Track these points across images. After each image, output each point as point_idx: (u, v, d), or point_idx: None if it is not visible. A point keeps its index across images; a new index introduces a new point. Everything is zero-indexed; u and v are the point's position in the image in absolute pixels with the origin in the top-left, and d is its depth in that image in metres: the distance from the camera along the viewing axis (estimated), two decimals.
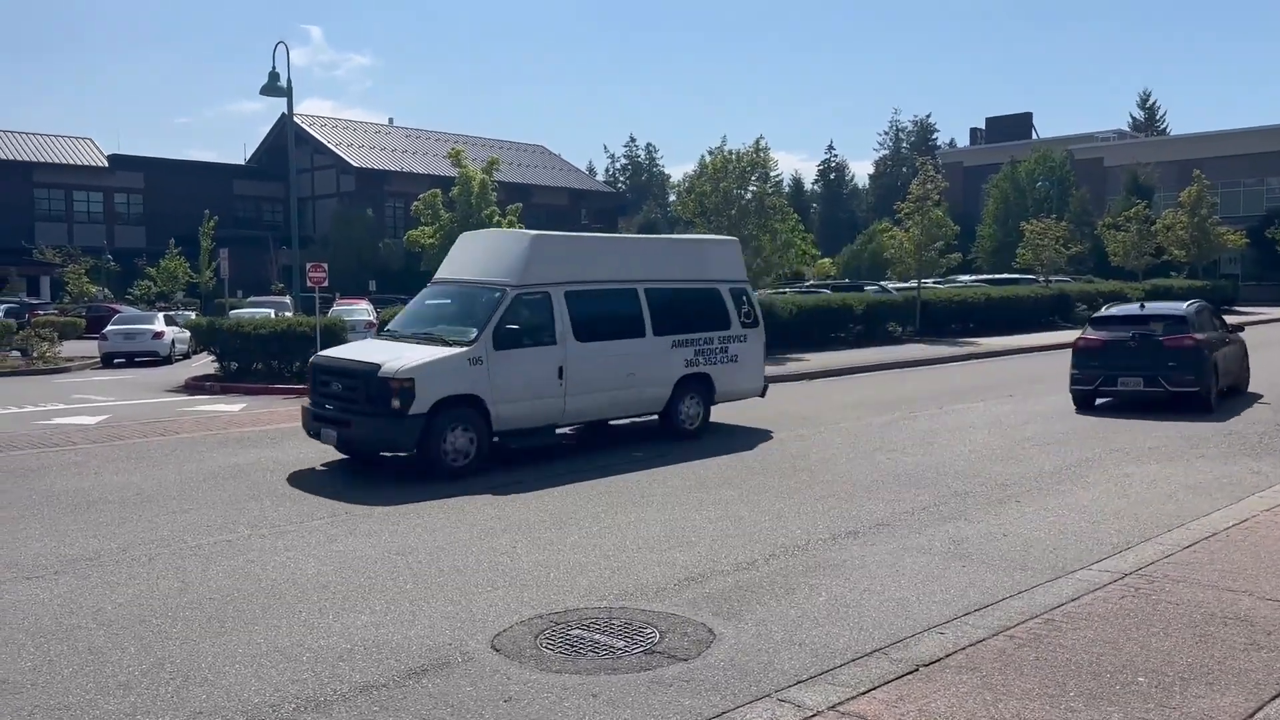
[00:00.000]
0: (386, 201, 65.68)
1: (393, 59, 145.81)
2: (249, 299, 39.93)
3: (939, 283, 37.79)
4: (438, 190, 20.70)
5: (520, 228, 21.57)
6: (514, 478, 10.22)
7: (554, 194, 74.16)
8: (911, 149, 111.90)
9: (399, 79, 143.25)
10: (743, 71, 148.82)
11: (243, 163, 70.80)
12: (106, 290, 53.20)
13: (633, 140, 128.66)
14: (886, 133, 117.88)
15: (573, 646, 5.44)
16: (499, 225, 20.17)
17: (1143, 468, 10.37)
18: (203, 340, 21.40)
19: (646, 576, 6.74)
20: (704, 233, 24.61)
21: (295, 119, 68.00)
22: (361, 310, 27.72)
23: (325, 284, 18.90)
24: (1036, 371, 21.10)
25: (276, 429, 13.79)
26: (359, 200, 63.97)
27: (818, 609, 6.03)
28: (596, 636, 5.57)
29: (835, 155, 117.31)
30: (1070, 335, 30.95)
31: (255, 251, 58.35)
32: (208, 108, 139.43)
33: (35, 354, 25.44)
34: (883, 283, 36.10)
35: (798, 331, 25.33)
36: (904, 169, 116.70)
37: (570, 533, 7.98)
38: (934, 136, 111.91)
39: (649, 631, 5.64)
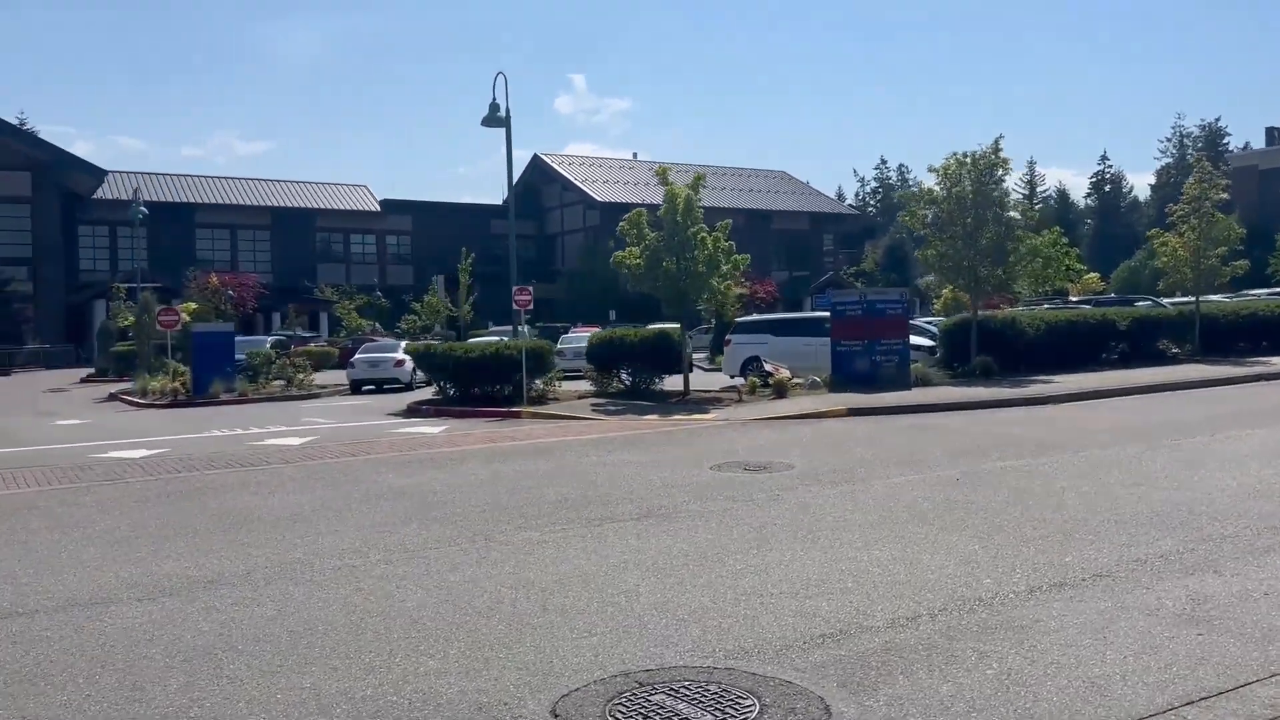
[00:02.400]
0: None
1: (649, 101, 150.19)
2: (490, 327, 41.57)
3: (1228, 297, 33.21)
4: (643, 210, 20.14)
5: (728, 245, 20.65)
6: (674, 501, 9.26)
7: (794, 218, 72.98)
8: (1198, 156, 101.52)
9: (654, 120, 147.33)
10: (1001, 84, 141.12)
11: (499, 203, 74.89)
12: (376, 324, 57.45)
13: (883, 162, 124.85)
14: (1169, 139, 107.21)
15: (645, 718, 4.39)
16: (704, 243, 19.33)
17: None
18: (420, 365, 22.04)
19: (774, 629, 5.55)
20: (935, 248, 22.67)
21: (545, 157, 71.66)
22: (583, 337, 27.81)
23: (530, 307, 18.91)
24: None
25: (462, 450, 13.60)
26: (604, 233, 65.66)
27: (979, 686, 4.63)
28: (679, 706, 4.49)
29: (1110, 166, 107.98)
30: None
31: (508, 286, 61.26)
32: (484, 159, 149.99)
33: (292, 381, 27.36)
34: (1158, 298, 32.10)
35: (1047, 351, 22.74)
36: (1190, 178, 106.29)
37: (707, 570, 6.90)
38: (1225, 141, 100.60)
39: (747, 704, 4.49)
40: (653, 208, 70.90)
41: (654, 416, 17.15)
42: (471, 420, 17.75)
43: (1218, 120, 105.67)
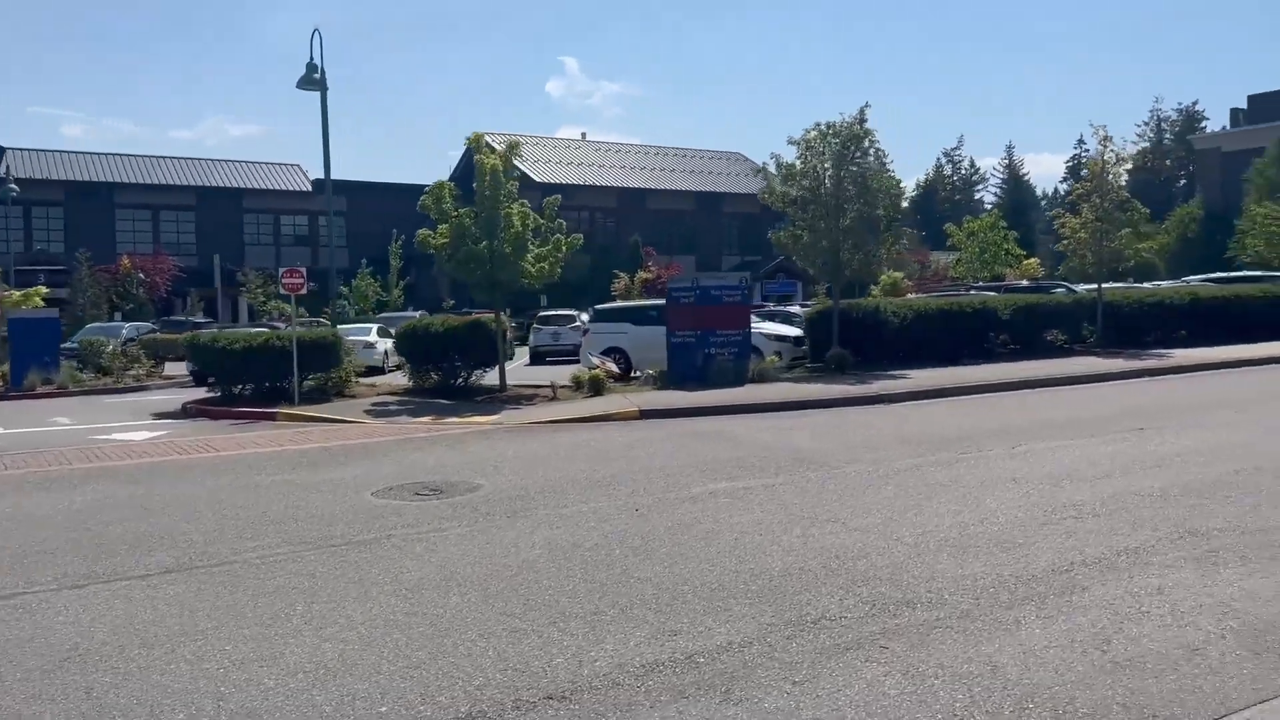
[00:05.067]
0: (570, 215, 64.89)
1: (642, 84, 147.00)
2: (380, 315, 39.42)
3: (1181, 284, 31.19)
4: (446, 182, 18.01)
5: (557, 224, 18.53)
6: (258, 545, 7.21)
7: (748, 201, 70.51)
8: (1176, 140, 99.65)
9: (647, 103, 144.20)
10: (977, 71, 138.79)
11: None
12: (303, 310, 55.16)
13: (880, 151, 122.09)
14: (1146, 124, 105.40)
15: None
16: (512, 222, 17.20)
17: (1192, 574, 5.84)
18: (190, 359, 19.86)
19: None
20: (797, 229, 20.54)
21: (487, 137, 69.27)
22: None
23: (303, 290, 16.83)
24: (1225, 394, 15.59)
25: (102, 467, 11.52)
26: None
27: None
28: None
29: (1086, 150, 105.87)
30: None
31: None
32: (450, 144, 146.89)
33: (123, 374, 25.21)
34: (1072, 285, 30.05)
35: (919, 342, 20.68)
36: (1168, 161, 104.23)
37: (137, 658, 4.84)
38: (1202, 124, 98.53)
39: None
40: (597, 189, 68.55)
41: (428, 418, 15.08)
42: (221, 422, 15.66)
43: (1195, 104, 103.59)
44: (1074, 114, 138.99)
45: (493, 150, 18.39)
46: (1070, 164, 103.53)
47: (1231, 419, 12.50)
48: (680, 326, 18.41)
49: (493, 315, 18.94)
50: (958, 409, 14.99)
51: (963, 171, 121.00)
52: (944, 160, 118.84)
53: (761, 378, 18.05)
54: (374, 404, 16.53)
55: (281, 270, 17.13)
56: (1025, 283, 32.66)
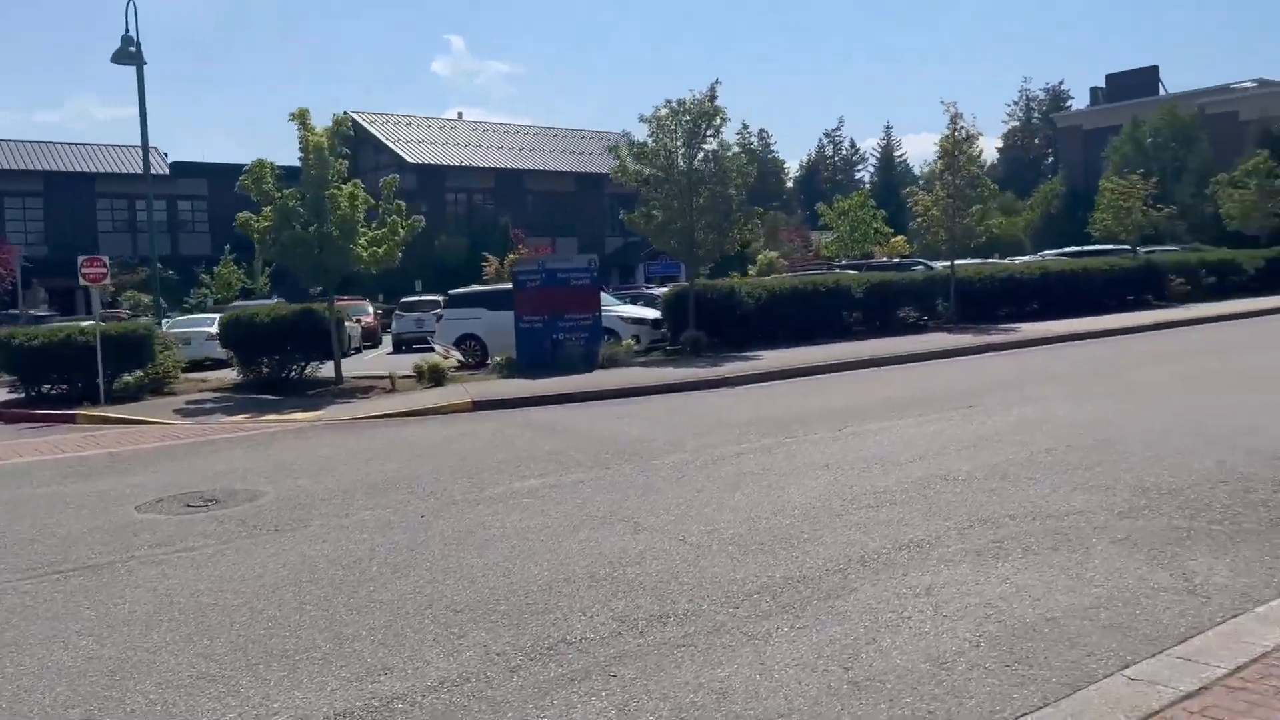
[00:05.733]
0: (447, 197, 63.43)
1: (531, 63, 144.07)
2: (235, 301, 37.60)
3: (1035, 259, 31.85)
4: (267, 161, 16.84)
5: (396, 206, 17.57)
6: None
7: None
8: (1043, 119, 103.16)
9: (536, 83, 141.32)
10: (858, 52, 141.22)
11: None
12: (160, 300, 52.44)
13: (745, 128, 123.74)
14: (1016, 103, 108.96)
15: None
16: (339, 204, 16.19)
17: (957, 570, 5.50)
18: None
19: None
20: (651, 209, 20.06)
21: (355, 115, 66.90)
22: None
23: (105, 281, 15.58)
24: (1060, 368, 15.72)
25: None
26: (420, 198, 61.85)
27: None
28: None
29: (960, 128, 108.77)
30: (1168, 314, 25.00)
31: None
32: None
33: None
34: (930, 262, 30.41)
35: (775, 322, 20.50)
36: (1036, 140, 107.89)
37: None
38: (1068, 103, 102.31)
39: None
40: (475, 170, 66.65)
41: (243, 416, 14.07)
42: (17, 426, 14.33)
43: (1061, 84, 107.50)
44: (951, 95, 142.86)
45: (307, 126, 16.87)
46: (944, 143, 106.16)
47: (1059, 393, 12.51)
48: (528, 311, 17.73)
49: (358, 300, 17.89)
50: (801, 390, 14.74)
51: (844, 152, 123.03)
52: (825, 141, 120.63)
53: (612, 363, 17.53)
54: (190, 402, 15.37)
55: (81, 259, 15.73)
56: (886, 260, 32.99)
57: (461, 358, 18.03)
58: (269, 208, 16.56)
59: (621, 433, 11.32)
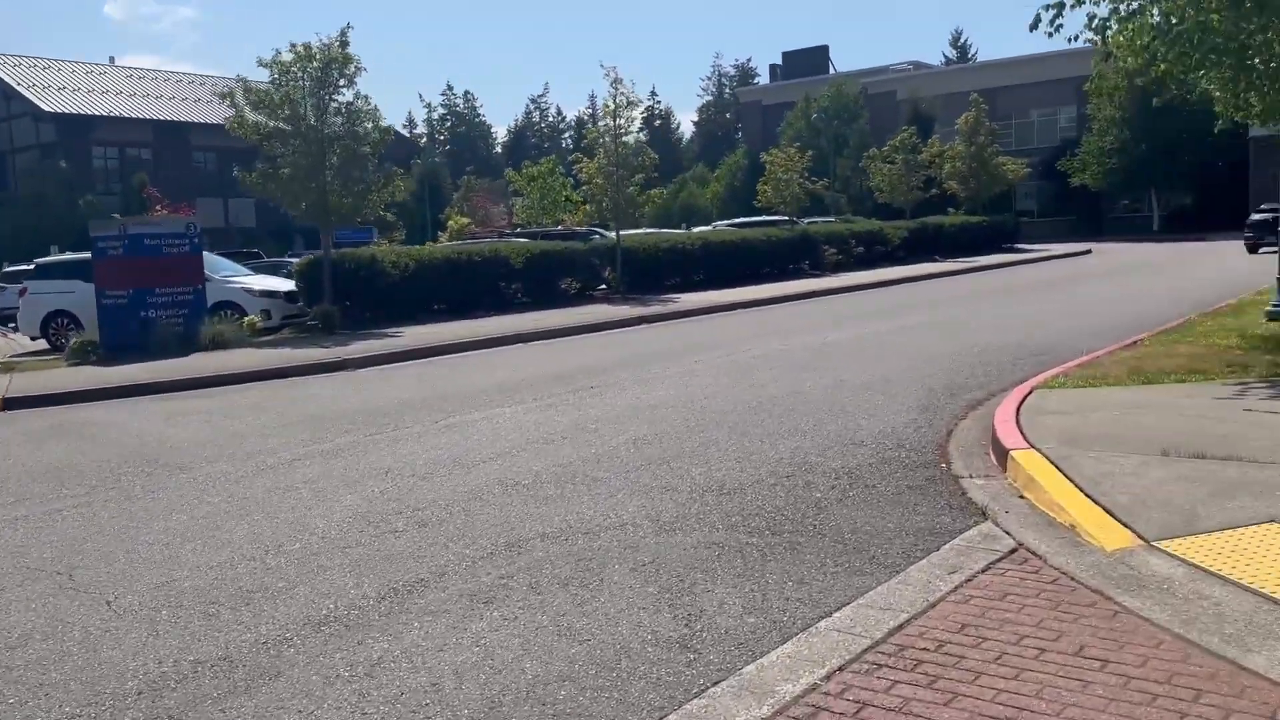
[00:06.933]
0: (95, 151, 56.14)
1: (220, 9, 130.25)
2: None
3: (709, 229, 32.20)
4: None
5: None
6: None
7: None
8: (735, 95, 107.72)
9: (225, 30, 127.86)
10: (564, 18, 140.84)
11: None
12: None
13: (450, 89, 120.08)
14: (709, 78, 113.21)
15: None
16: None
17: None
18: None
19: None
20: (278, 166, 17.82)
21: None
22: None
23: None
24: (702, 339, 15.38)
25: None
26: (57, 151, 54.29)
27: None
28: None
29: (659, 101, 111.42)
30: (820, 283, 26.04)
31: None
32: None
33: None
34: (605, 230, 30.01)
35: (426, 294, 19.01)
36: (727, 115, 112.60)
37: None
38: (755, 79, 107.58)
39: None
40: (128, 121, 59.19)
41: None
42: None
43: (749, 60, 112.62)
44: (652, 66, 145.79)
45: None
46: (644, 115, 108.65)
47: (679, 370, 11.98)
48: (111, 285, 15.12)
49: None
50: (430, 372, 13.39)
51: (550, 119, 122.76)
52: (532, 107, 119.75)
53: (220, 344, 15.33)
54: None
55: None
56: (563, 229, 32.40)
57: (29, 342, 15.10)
58: None
59: (167, 436, 9.45)
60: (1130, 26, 10.14)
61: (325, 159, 17.42)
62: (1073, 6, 10.04)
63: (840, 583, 4.63)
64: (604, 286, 23.91)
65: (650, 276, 23.90)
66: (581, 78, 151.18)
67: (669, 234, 28.40)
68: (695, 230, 32.30)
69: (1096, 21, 10.15)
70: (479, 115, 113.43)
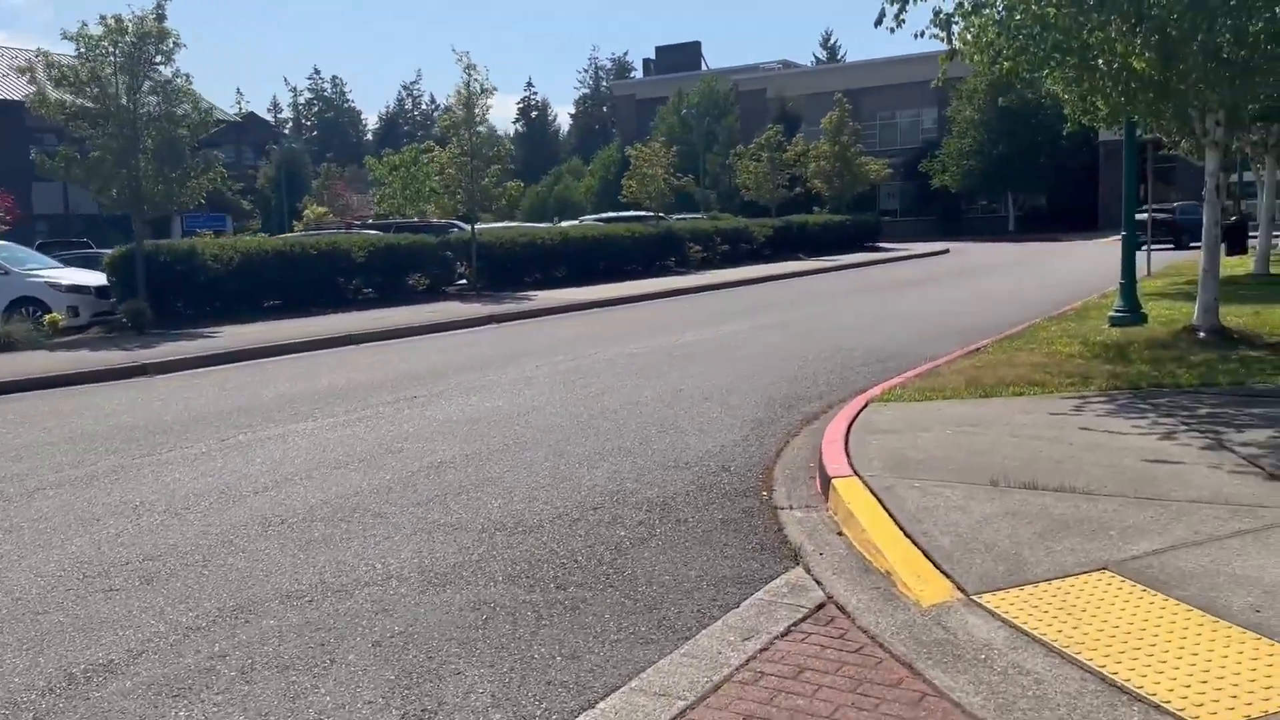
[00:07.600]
0: None
1: None
2: None
3: (574, 224, 31.29)
4: None
5: None
6: None
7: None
8: (610, 89, 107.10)
9: (82, 5, 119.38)
10: (440, 2, 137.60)
11: None
12: None
13: (317, 72, 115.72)
14: (586, 70, 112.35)
15: None
16: None
17: None
18: None
19: None
20: (89, 150, 16.16)
21: None
22: None
23: None
24: (548, 343, 14.53)
25: None
26: None
27: None
28: None
29: (535, 93, 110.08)
30: (684, 281, 25.57)
31: None
32: None
33: None
34: (465, 223, 28.82)
35: (253, 290, 17.60)
36: (604, 108, 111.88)
37: None
38: (631, 73, 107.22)
39: None
40: None
41: None
42: None
43: (625, 54, 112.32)
44: (530, 57, 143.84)
45: None
46: (520, 105, 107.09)
47: (523, 376, 11.13)
48: None
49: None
50: (239, 379, 12.16)
51: (423, 107, 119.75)
52: (405, 94, 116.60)
53: (6, 345, 13.69)
54: None
55: None
56: (419, 221, 31.07)
57: None
58: None
59: None
60: (975, 22, 9.82)
61: (139, 142, 15.84)
62: (916, 1, 9.64)
63: (618, 655, 3.89)
64: (462, 283, 22.86)
65: (509, 273, 22.95)
66: (457, 65, 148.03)
67: (530, 228, 27.43)
68: (561, 225, 31.42)
69: (941, 16, 9.79)
70: (348, 101, 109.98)
